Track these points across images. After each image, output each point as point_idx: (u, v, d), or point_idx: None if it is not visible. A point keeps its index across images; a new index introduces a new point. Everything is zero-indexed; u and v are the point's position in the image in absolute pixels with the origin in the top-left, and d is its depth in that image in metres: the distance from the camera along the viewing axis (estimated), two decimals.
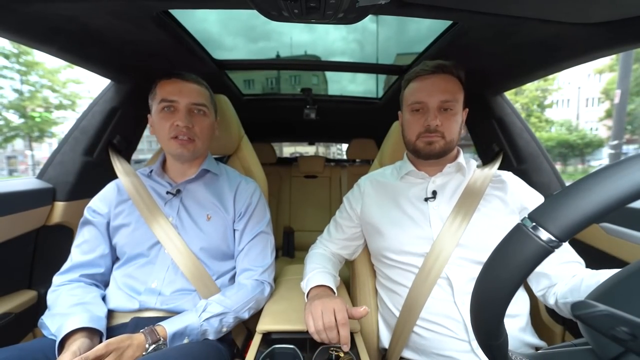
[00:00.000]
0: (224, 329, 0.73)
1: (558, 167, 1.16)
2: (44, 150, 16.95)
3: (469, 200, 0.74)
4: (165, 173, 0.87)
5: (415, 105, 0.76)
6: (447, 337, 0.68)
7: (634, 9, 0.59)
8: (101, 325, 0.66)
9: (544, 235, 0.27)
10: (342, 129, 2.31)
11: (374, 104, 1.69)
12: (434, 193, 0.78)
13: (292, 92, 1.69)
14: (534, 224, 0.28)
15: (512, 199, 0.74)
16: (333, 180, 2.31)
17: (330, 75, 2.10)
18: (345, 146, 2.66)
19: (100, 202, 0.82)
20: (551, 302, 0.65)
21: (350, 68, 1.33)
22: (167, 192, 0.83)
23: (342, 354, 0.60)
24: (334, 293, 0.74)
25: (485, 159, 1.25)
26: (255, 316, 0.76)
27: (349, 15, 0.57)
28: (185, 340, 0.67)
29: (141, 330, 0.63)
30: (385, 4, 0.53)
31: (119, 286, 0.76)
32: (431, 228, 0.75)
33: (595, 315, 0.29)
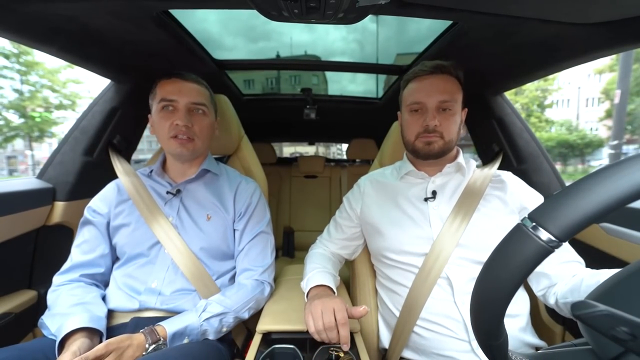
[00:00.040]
0: (224, 329, 0.73)
1: (558, 167, 1.16)
2: (44, 150, 16.95)
3: (469, 200, 0.74)
4: (166, 173, 0.87)
5: (413, 106, 0.76)
6: (447, 337, 0.68)
7: (634, 9, 0.59)
8: (101, 325, 0.66)
9: (544, 235, 0.27)
10: (342, 129, 2.31)
11: (374, 104, 1.69)
12: (434, 193, 0.78)
13: (292, 92, 1.69)
14: (534, 224, 0.28)
15: (512, 199, 0.74)
16: (333, 180, 2.31)
17: (330, 75, 2.10)
18: (345, 146, 2.66)
19: (101, 202, 0.82)
20: (551, 302, 0.65)
21: (350, 68, 1.33)
22: (167, 192, 0.83)
23: (342, 354, 0.60)
24: (334, 293, 0.74)
25: (485, 159, 1.25)
26: (255, 316, 0.76)
27: (349, 15, 0.57)
28: (185, 340, 0.67)
29: (141, 330, 0.63)
30: (385, 4, 0.53)
31: (119, 286, 0.76)
32: (431, 228, 0.75)
33: (595, 315, 0.29)
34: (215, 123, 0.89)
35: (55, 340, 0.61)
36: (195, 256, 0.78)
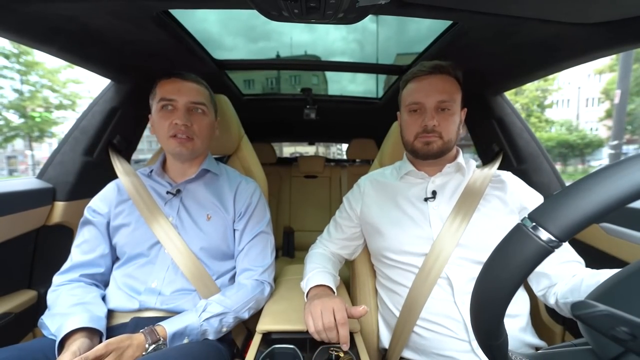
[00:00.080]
0: (224, 329, 0.73)
1: (558, 167, 1.16)
2: (44, 150, 16.95)
3: (469, 200, 0.74)
4: (166, 173, 0.87)
5: (412, 106, 0.76)
6: (447, 337, 0.68)
7: (634, 9, 0.59)
8: (101, 325, 0.66)
9: (544, 235, 0.27)
10: (342, 129, 2.31)
11: (374, 104, 1.69)
12: (434, 193, 0.78)
13: (292, 92, 1.69)
14: (533, 224, 0.28)
15: (512, 199, 0.74)
16: (333, 180, 2.31)
17: (330, 75, 2.10)
18: (345, 146, 2.66)
19: (101, 202, 0.82)
20: (551, 301, 0.65)
21: (350, 68, 1.33)
22: (167, 192, 0.83)
23: (342, 354, 0.60)
24: (334, 293, 0.74)
25: (485, 159, 1.25)
26: (255, 316, 0.76)
27: (349, 15, 0.57)
28: (185, 340, 0.67)
29: (141, 330, 0.63)
30: (385, 4, 0.53)
31: (119, 286, 0.76)
32: (431, 228, 0.75)
33: (595, 315, 0.29)
34: (215, 123, 0.89)
35: (55, 340, 0.61)
36: (195, 256, 0.78)
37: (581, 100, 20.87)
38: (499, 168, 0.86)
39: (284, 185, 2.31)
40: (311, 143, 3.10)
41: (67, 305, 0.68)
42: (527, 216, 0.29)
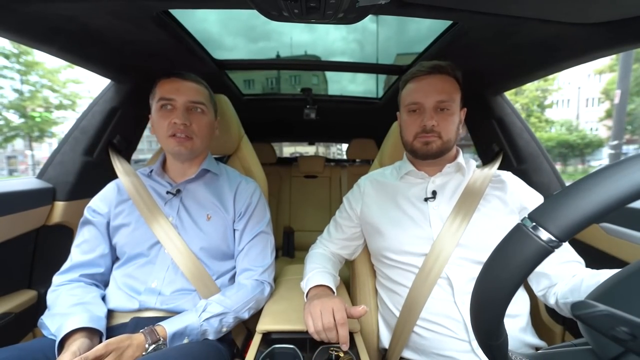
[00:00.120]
0: (224, 329, 0.73)
1: (558, 167, 1.16)
2: (44, 150, 16.95)
3: (469, 200, 0.74)
4: (166, 173, 0.87)
5: (411, 106, 0.76)
6: (447, 337, 0.68)
7: (634, 9, 0.59)
8: (101, 325, 0.66)
9: (544, 235, 0.27)
10: (342, 129, 2.31)
11: (374, 104, 1.69)
12: (434, 193, 0.78)
13: (292, 92, 1.69)
14: (534, 224, 0.28)
15: (512, 199, 0.74)
16: (333, 180, 2.31)
17: (330, 75, 2.10)
18: (345, 146, 2.66)
19: (101, 202, 0.82)
20: (551, 302, 0.65)
21: (350, 68, 1.33)
22: (167, 192, 0.83)
23: (342, 354, 0.60)
24: (334, 293, 0.74)
25: (485, 159, 1.25)
26: (255, 316, 0.76)
27: (349, 15, 0.57)
28: (185, 340, 0.67)
29: (141, 330, 0.63)
30: (385, 4, 0.53)
31: (119, 286, 0.76)
32: (431, 228, 0.75)
33: (595, 315, 0.29)
34: (215, 122, 0.89)
35: (55, 340, 0.61)
36: (195, 256, 0.78)
37: (581, 100, 20.88)
38: (499, 168, 0.86)
39: (284, 185, 2.31)
40: (311, 143, 3.10)
41: (67, 305, 0.68)
42: (527, 216, 0.29)
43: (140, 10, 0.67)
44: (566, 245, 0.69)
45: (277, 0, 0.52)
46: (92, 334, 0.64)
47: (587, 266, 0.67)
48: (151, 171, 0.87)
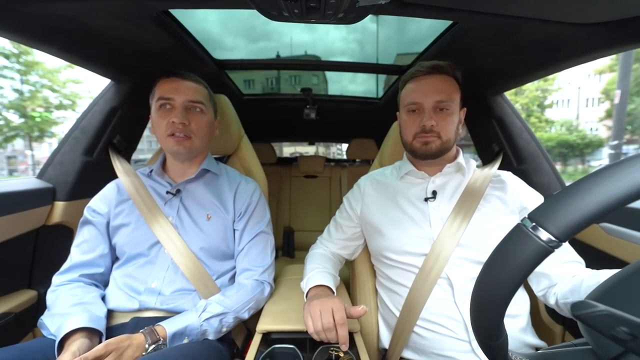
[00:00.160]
0: (224, 329, 0.73)
1: (558, 167, 1.16)
2: (44, 150, 16.95)
3: (469, 200, 0.74)
4: (165, 173, 0.87)
5: (411, 106, 0.76)
6: (447, 337, 0.68)
7: (634, 9, 0.59)
8: (101, 325, 0.66)
9: (543, 235, 0.27)
10: (342, 129, 2.31)
11: (374, 104, 1.69)
12: (434, 193, 0.78)
13: (292, 92, 1.69)
14: (533, 224, 0.28)
15: (512, 199, 0.74)
16: (333, 180, 2.31)
17: (330, 75, 2.10)
18: (345, 146, 2.66)
19: (100, 202, 0.82)
20: (552, 302, 0.65)
21: (350, 68, 1.33)
22: (167, 192, 0.83)
23: (342, 354, 0.60)
24: (333, 293, 0.74)
25: (485, 159, 1.25)
26: (255, 316, 0.76)
27: (349, 15, 0.57)
28: (185, 340, 0.67)
29: (141, 331, 0.63)
30: (385, 4, 0.53)
31: (119, 286, 0.76)
32: (431, 228, 0.75)
33: (595, 315, 0.29)
34: (215, 122, 0.89)
35: (55, 340, 0.61)
36: (195, 256, 0.78)
37: (581, 100, 20.88)
38: (499, 168, 0.86)
39: (284, 185, 2.31)
40: (311, 143, 3.10)
41: (67, 305, 0.68)
42: (527, 216, 0.29)
43: (140, 10, 0.67)
44: (566, 246, 0.69)
45: (277, 0, 0.52)
46: (92, 334, 0.64)
47: (587, 266, 0.67)
48: (151, 171, 0.87)
